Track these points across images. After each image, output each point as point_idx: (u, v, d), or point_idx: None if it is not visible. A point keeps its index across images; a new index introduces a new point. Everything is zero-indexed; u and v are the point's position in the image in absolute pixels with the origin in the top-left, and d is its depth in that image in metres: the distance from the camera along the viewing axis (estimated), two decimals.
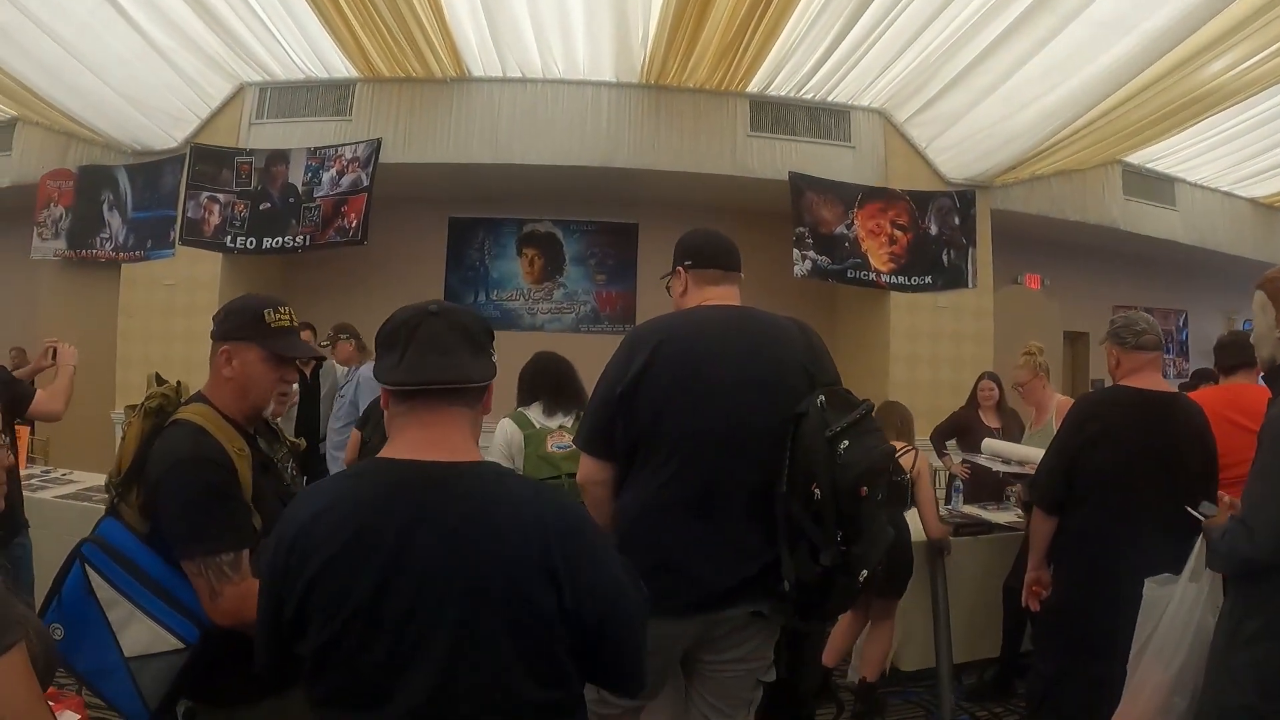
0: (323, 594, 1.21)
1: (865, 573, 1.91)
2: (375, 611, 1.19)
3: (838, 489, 1.83)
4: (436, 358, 1.29)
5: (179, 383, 1.90)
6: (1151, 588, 2.33)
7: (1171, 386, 2.94)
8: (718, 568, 1.94)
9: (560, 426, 3.39)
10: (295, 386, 2.05)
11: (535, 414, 3.46)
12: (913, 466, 3.66)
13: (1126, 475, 2.69)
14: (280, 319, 1.86)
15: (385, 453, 1.31)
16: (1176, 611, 2.22)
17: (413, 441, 1.29)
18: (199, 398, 1.83)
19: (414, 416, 1.30)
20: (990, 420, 5.44)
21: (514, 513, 1.26)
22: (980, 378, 5.62)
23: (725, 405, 1.97)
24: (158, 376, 1.90)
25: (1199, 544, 2.23)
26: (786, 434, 1.93)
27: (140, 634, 1.63)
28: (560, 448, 3.29)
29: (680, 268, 2.25)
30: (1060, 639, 2.81)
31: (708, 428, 1.96)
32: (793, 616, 2.01)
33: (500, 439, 3.44)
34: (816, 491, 1.85)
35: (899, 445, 3.78)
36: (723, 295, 2.19)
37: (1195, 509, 2.41)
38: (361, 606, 1.19)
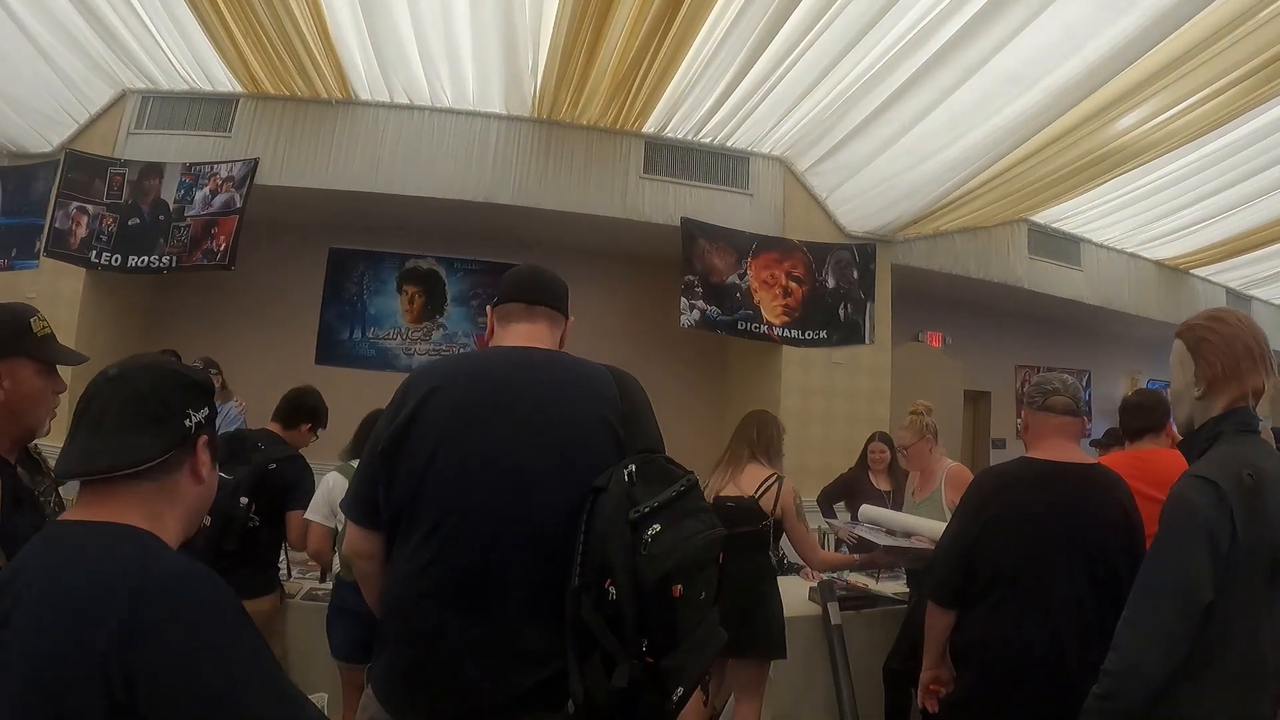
0: None
1: (681, 691, 1.51)
2: None
3: (640, 588, 1.44)
4: (86, 440, 1.16)
5: None
6: None
7: (1087, 457, 2.57)
8: (492, 675, 1.54)
9: None
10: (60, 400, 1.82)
11: None
12: (775, 501, 3.37)
13: (1035, 563, 2.31)
14: (44, 327, 1.76)
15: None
16: None
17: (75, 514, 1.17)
18: None
19: (82, 492, 1.18)
20: (880, 483, 5.26)
21: (82, 577, 1.06)
22: (870, 439, 5.43)
23: (504, 475, 1.58)
24: None
25: None
26: (580, 514, 1.54)
27: None
28: None
29: (489, 308, 1.88)
30: None
31: (481, 500, 1.57)
32: None
33: (321, 494, 3.23)
34: (612, 589, 1.46)
35: (759, 474, 3.51)
36: (523, 334, 1.80)
37: (1120, 601, 2.10)
38: None
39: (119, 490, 1.16)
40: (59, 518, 1.15)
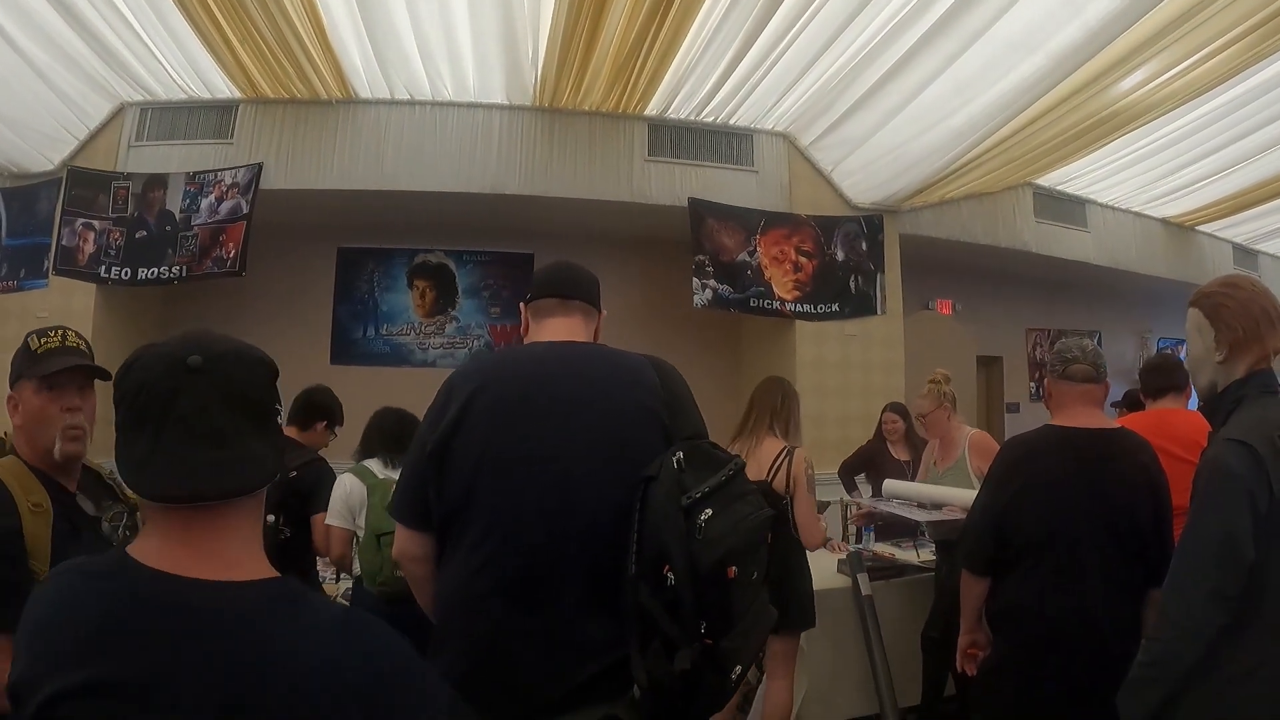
0: None
1: (739, 669, 1.55)
2: None
3: (697, 572, 1.47)
4: (207, 451, 0.92)
5: (5, 434, 1.76)
6: None
7: (1110, 421, 2.63)
8: (552, 670, 1.56)
9: None
10: (80, 417, 1.74)
11: (375, 466, 3.25)
12: (787, 479, 3.36)
13: (1063, 529, 2.37)
14: (48, 342, 1.69)
15: (137, 549, 0.95)
16: None
17: (172, 546, 0.93)
18: (12, 449, 1.70)
19: (175, 517, 0.93)
20: (899, 453, 5.28)
21: (301, 666, 0.89)
22: (884, 410, 5.45)
23: (555, 470, 1.59)
24: None
25: None
26: (633, 502, 1.55)
27: None
28: None
29: (521, 304, 1.89)
30: (1001, 709, 2.49)
31: (532, 498, 1.59)
32: None
33: (339, 496, 3.18)
34: (670, 575, 1.48)
35: (773, 450, 3.50)
36: (559, 329, 1.81)
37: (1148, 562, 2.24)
38: None
39: (232, 516, 0.96)
40: (129, 548, 0.96)
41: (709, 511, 1.50)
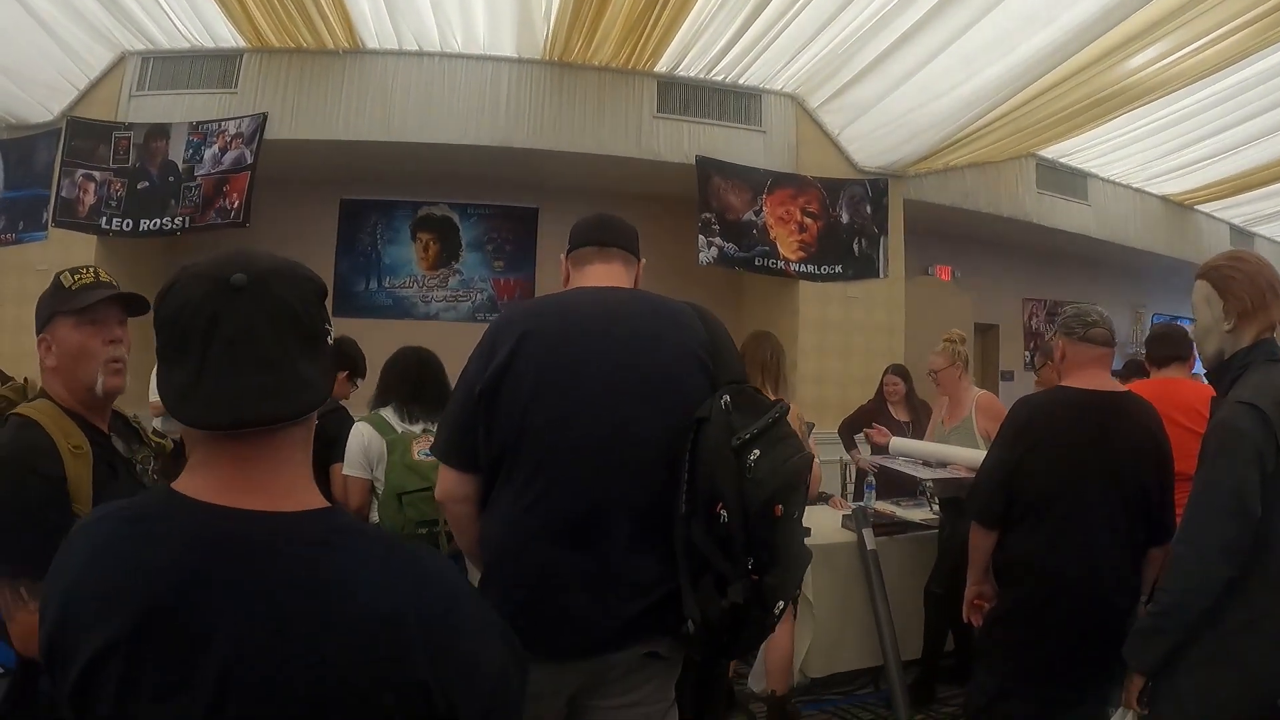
0: (104, 692, 0.84)
1: (782, 604, 1.61)
2: None
3: (748, 509, 1.53)
4: (254, 376, 0.86)
5: (26, 379, 1.75)
6: None
7: (1119, 385, 2.73)
8: (602, 606, 1.61)
9: (425, 431, 3.05)
10: (122, 349, 1.73)
11: (392, 418, 3.12)
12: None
13: (1072, 487, 2.48)
14: (82, 279, 1.66)
15: (183, 483, 0.91)
16: None
17: (221, 478, 0.89)
18: (42, 393, 1.68)
19: (223, 447, 0.89)
20: (899, 414, 5.33)
21: (365, 602, 0.87)
22: (885, 371, 5.50)
23: (606, 409, 1.64)
24: (0, 372, 1.72)
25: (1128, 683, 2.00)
26: (683, 443, 1.60)
27: None
28: (428, 454, 2.93)
29: (562, 256, 1.92)
30: (1005, 658, 2.60)
31: (583, 437, 1.63)
32: (696, 656, 1.72)
33: (356, 447, 3.08)
34: (723, 513, 1.53)
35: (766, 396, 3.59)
36: (601, 275, 1.84)
37: (1151, 523, 2.37)
38: None
39: (282, 445, 0.92)
40: (174, 483, 0.92)
41: (756, 452, 1.56)
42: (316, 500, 0.94)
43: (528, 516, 1.63)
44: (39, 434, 1.54)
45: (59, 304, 1.65)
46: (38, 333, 1.68)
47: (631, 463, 1.64)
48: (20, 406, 1.63)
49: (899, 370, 5.47)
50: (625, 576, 1.63)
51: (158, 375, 0.93)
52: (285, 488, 0.91)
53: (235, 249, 0.94)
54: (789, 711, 3.54)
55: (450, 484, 1.75)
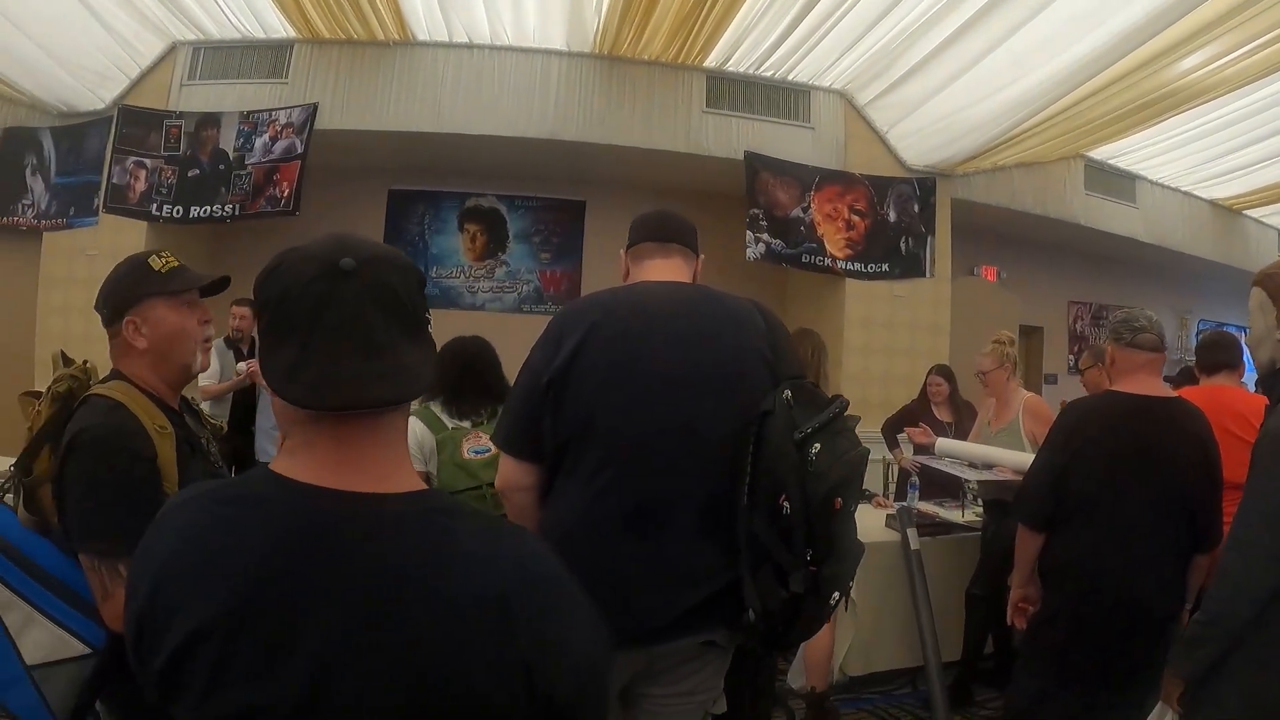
0: (196, 675, 0.83)
1: (837, 595, 1.63)
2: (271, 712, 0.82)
3: (809, 502, 1.55)
4: (361, 361, 0.86)
5: (86, 362, 1.73)
6: None
7: (1169, 390, 2.71)
8: (663, 595, 1.64)
9: (476, 426, 3.01)
10: (212, 329, 1.80)
11: (441, 414, 3.05)
12: None
13: (1116, 492, 2.47)
14: (169, 262, 1.69)
15: (281, 465, 0.91)
16: None
17: (322, 459, 0.89)
18: (115, 375, 1.67)
19: (324, 429, 0.90)
20: (943, 415, 5.29)
21: (465, 581, 0.86)
22: (929, 371, 5.46)
23: (672, 401, 1.67)
24: (64, 355, 1.71)
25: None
26: (746, 437, 1.63)
27: (41, 639, 1.42)
28: (478, 452, 2.92)
29: (622, 252, 1.95)
30: (1047, 660, 2.60)
31: (651, 428, 1.66)
32: (751, 645, 1.74)
33: (411, 443, 2.97)
34: (786, 505, 1.55)
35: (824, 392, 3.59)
36: (662, 270, 1.86)
37: (1197, 529, 2.35)
38: (252, 706, 0.82)
39: (383, 428, 0.92)
40: (271, 465, 0.92)
41: (817, 446, 1.58)
42: (416, 483, 0.94)
43: (594, 505, 1.66)
44: (127, 415, 1.55)
45: (153, 286, 1.66)
46: (118, 315, 1.67)
47: (695, 455, 1.67)
48: (96, 388, 1.62)
49: (943, 370, 5.43)
50: (685, 567, 1.66)
51: (260, 354, 0.93)
52: (386, 470, 0.91)
53: (338, 234, 0.94)
54: (828, 708, 3.53)
55: (512, 473, 1.77)
